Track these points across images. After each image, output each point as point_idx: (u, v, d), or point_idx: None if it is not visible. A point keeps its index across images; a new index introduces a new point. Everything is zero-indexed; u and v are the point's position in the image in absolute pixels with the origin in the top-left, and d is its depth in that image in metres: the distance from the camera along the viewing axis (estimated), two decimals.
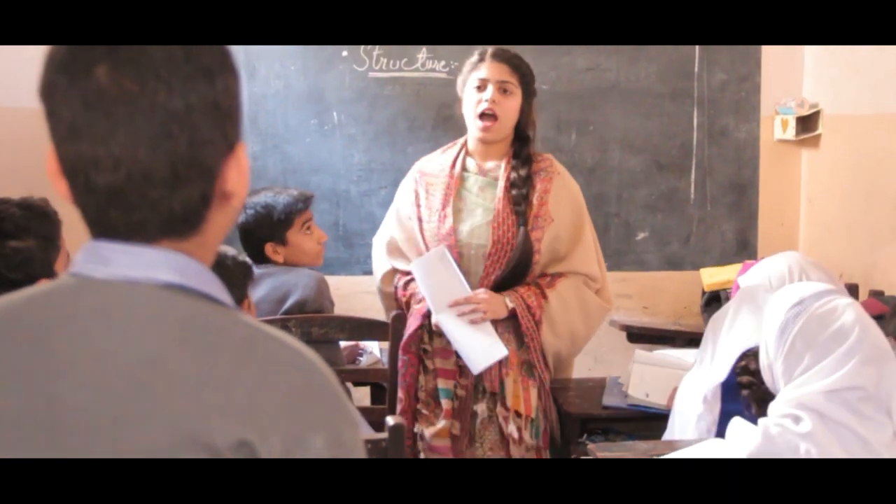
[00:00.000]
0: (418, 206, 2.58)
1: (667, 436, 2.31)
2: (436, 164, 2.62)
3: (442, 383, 2.49)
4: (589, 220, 2.61)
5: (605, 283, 2.61)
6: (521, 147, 2.55)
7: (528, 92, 2.54)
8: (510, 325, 2.49)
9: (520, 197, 2.49)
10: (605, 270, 2.65)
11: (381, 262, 2.67)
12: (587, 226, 2.59)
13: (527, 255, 2.49)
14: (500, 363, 2.47)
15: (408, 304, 2.57)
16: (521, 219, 2.48)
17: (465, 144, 2.60)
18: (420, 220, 2.57)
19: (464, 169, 2.57)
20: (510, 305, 2.47)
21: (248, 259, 2.22)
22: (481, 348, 2.42)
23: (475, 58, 2.54)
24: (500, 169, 2.54)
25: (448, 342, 2.46)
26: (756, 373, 2.04)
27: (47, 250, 1.81)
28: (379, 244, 2.68)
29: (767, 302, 2.26)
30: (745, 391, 2.03)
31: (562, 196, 2.55)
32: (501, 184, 2.51)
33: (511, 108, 2.50)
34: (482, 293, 2.46)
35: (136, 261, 0.85)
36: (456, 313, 2.43)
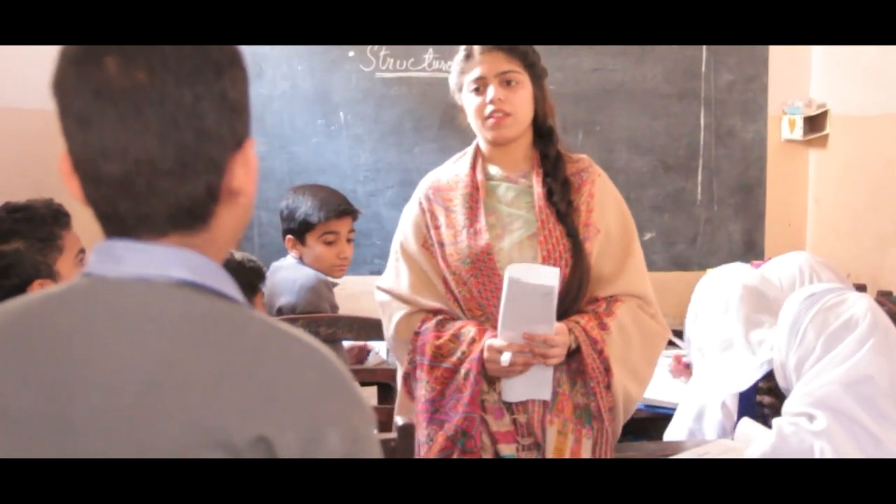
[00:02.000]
0: (437, 227, 2.09)
1: (675, 428, 2.30)
2: (449, 174, 2.15)
3: (505, 449, 2.01)
4: (636, 230, 2.16)
5: (657, 306, 2.15)
6: (546, 145, 2.11)
7: (537, 74, 2.09)
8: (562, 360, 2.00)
9: (563, 204, 2.05)
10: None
11: (393, 305, 2.12)
12: (636, 237, 2.14)
13: (583, 274, 2.03)
14: (545, 404, 2.01)
15: (440, 350, 2.03)
16: (570, 229, 2.04)
17: (478, 150, 2.15)
18: (442, 244, 2.08)
19: (487, 177, 2.11)
20: (573, 346, 1.99)
21: (259, 264, 2.25)
22: (528, 380, 1.98)
23: (462, 54, 2.10)
24: (532, 174, 2.09)
25: (498, 399, 2.01)
26: (778, 393, 2.01)
27: (44, 251, 1.77)
28: (395, 284, 2.14)
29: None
30: (766, 409, 2.02)
31: (607, 203, 2.11)
32: (538, 190, 2.06)
33: (522, 100, 2.06)
34: (561, 339, 1.96)
35: (148, 258, 0.85)
36: (523, 340, 1.93)
